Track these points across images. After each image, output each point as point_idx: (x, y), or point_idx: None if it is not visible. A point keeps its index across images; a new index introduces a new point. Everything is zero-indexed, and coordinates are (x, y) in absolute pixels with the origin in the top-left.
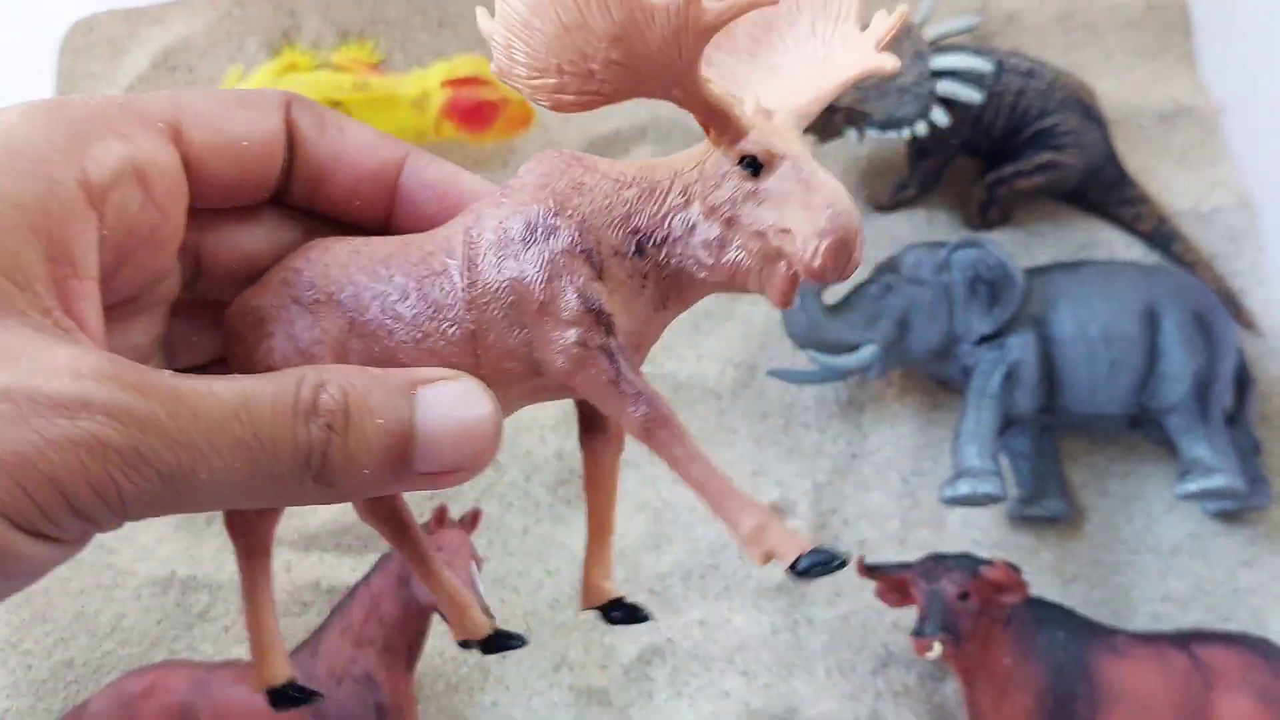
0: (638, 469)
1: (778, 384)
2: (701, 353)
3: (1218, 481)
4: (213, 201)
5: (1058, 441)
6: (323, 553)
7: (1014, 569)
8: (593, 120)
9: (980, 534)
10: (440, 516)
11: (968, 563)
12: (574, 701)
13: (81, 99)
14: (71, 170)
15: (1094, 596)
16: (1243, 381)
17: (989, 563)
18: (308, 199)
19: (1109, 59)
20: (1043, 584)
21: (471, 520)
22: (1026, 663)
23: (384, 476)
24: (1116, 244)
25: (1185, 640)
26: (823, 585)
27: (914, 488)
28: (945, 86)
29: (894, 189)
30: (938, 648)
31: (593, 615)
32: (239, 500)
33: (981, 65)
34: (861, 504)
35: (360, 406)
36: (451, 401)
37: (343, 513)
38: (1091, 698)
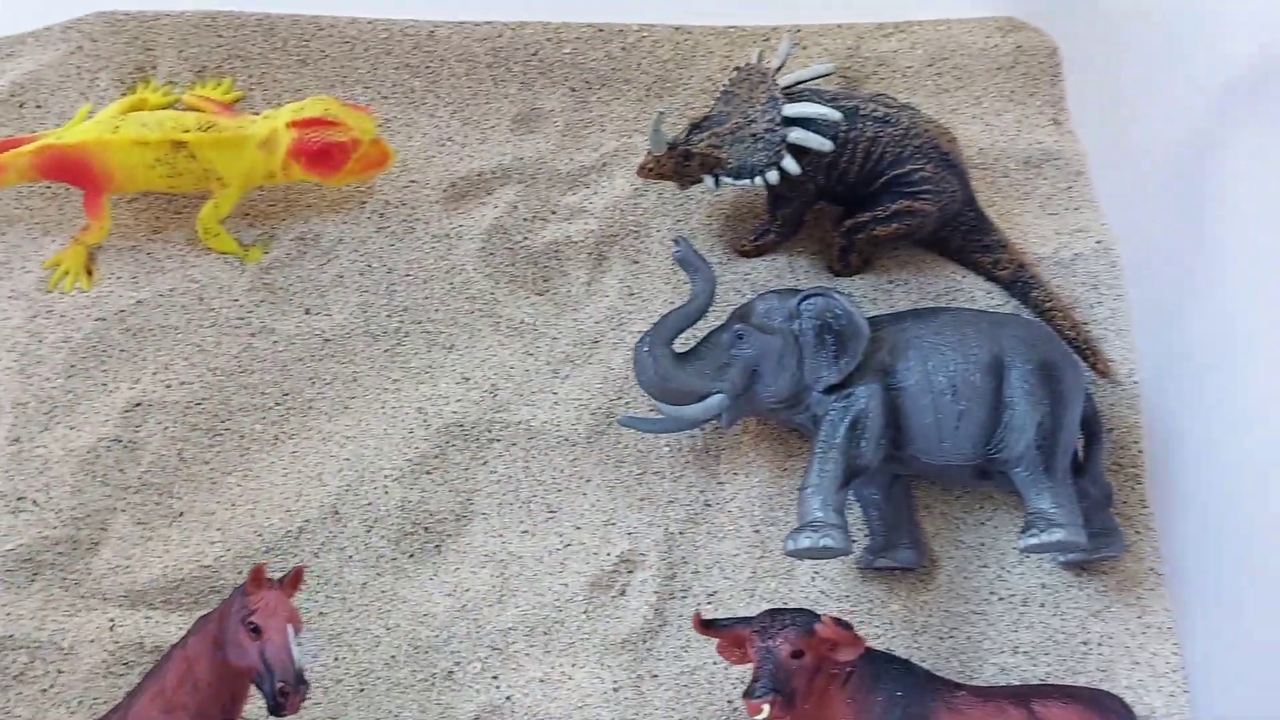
0: (485, 519)
1: (635, 431)
2: (559, 398)
3: (1057, 536)
4: None
5: (912, 490)
6: (150, 610)
7: (845, 625)
8: (459, 161)
9: (830, 585)
10: (258, 577)
11: (804, 619)
12: None
13: None
14: None
15: (944, 648)
16: (1094, 431)
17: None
18: None
19: (978, 103)
20: (892, 636)
21: (292, 580)
22: None
23: None
24: (977, 291)
25: (1025, 697)
26: (670, 639)
27: (765, 537)
28: (796, 134)
29: (756, 235)
30: (767, 709)
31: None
32: None
33: (831, 114)
34: (714, 553)
35: None
36: None
37: (175, 567)
38: None
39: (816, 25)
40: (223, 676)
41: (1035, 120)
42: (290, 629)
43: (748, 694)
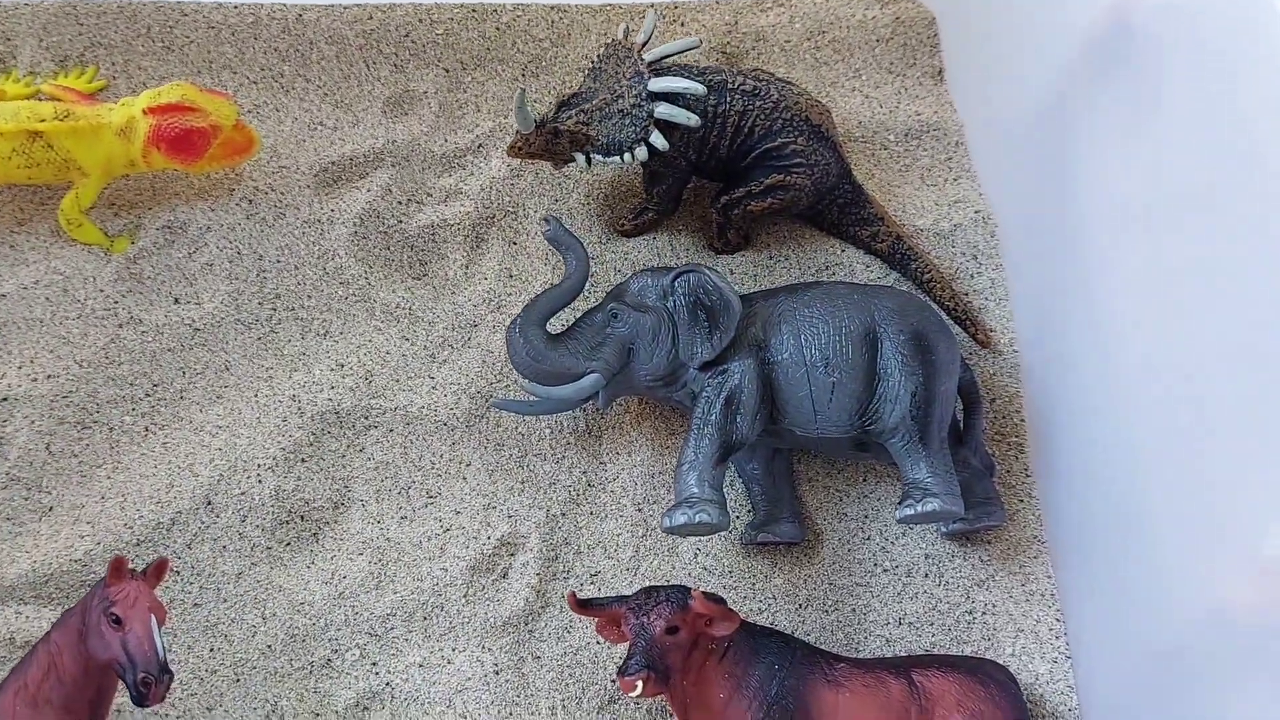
0: (363, 506)
1: (514, 414)
2: (436, 383)
3: (933, 505)
4: None
5: (794, 464)
6: (20, 605)
7: (718, 600)
8: (330, 145)
9: (713, 561)
10: (118, 568)
11: (678, 595)
12: None
13: None
14: None
15: (828, 621)
16: (972, 401)
17: (711, 595)
18: None
19: (858, 75)
20: (776, 610)
21: (156, 571)
22: (739, 697)
23: None
24: (857, 264)
25: (906, 667)
26: (552, 620)
27: (648, 515)
28: (662, 109)
29: (634, 214)
30: (641, 685)
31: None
32: None
33: (696, 88)
34: (596, 533)
35: None
36: None
37: (44, 561)
38: None
39: (694, 2)
40: (87, 669)
41: (914, 92)
42: (153, 619)
43: (621, 671)
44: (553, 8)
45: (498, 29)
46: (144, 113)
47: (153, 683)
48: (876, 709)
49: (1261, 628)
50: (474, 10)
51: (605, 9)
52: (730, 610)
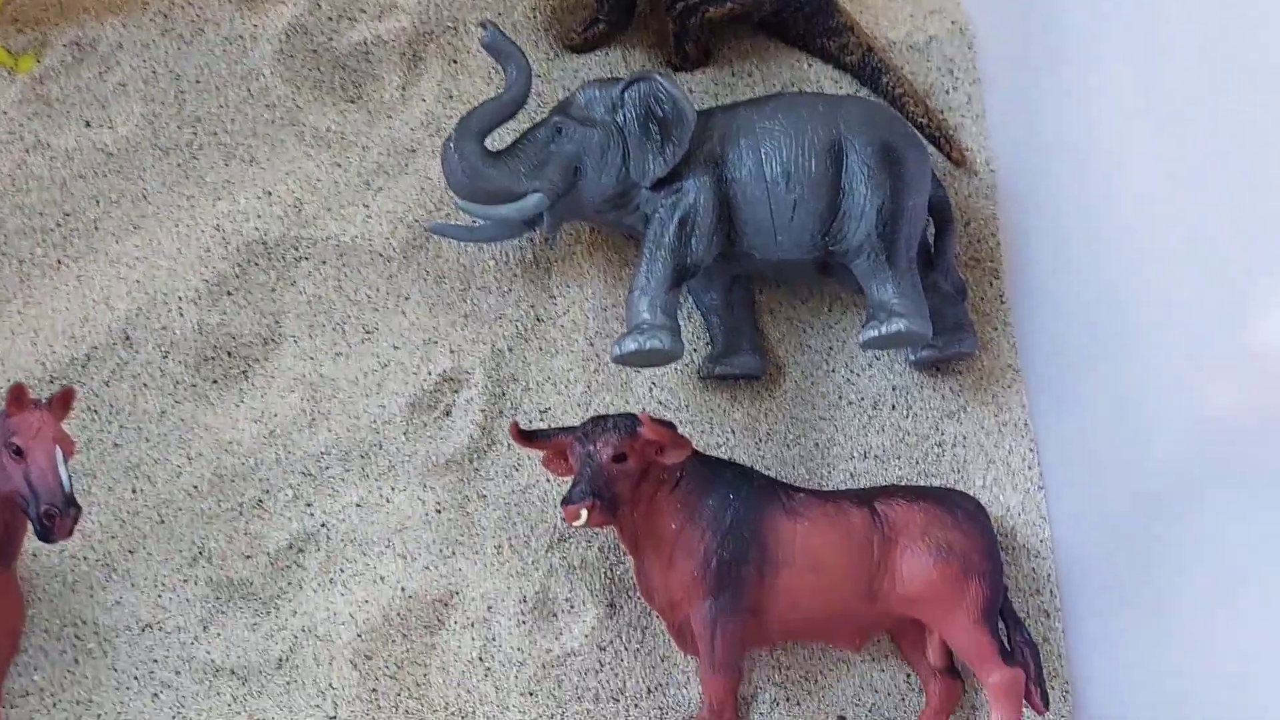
0: (295, 342)
1: (456, 244)
2: (371, 212)
3: (898, 325)
4: None
5: (755, 294)
6: None
7: (668, 425)
8: None
9: (669, 395)
10: (18, 397)
11: (627, 423)
12: (212, 596)
13: None
14: None
15: (790, 455)
16: (943, 220)
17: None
18: None
19: None
20: (734, 445)
21: (61, 401)
22: (692, 527)
23: None
24: (824, 79)
25: (869, 497)
26: (499, 458)
27: (599, 350)
28: None
29: (584, 25)
30: (585, 514)
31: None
32: None
33: None
34: (545, 369)
35: None
36: None
37: None
38: (762, 560)
39: None
40: None
41: None
42: (58, 451)
43: (565, 500)
44: None
45: None
46: None
47: (57, 515)
48: (837, 538)
49: (1243, 429)
50: None
51: None
52: (681, 437)
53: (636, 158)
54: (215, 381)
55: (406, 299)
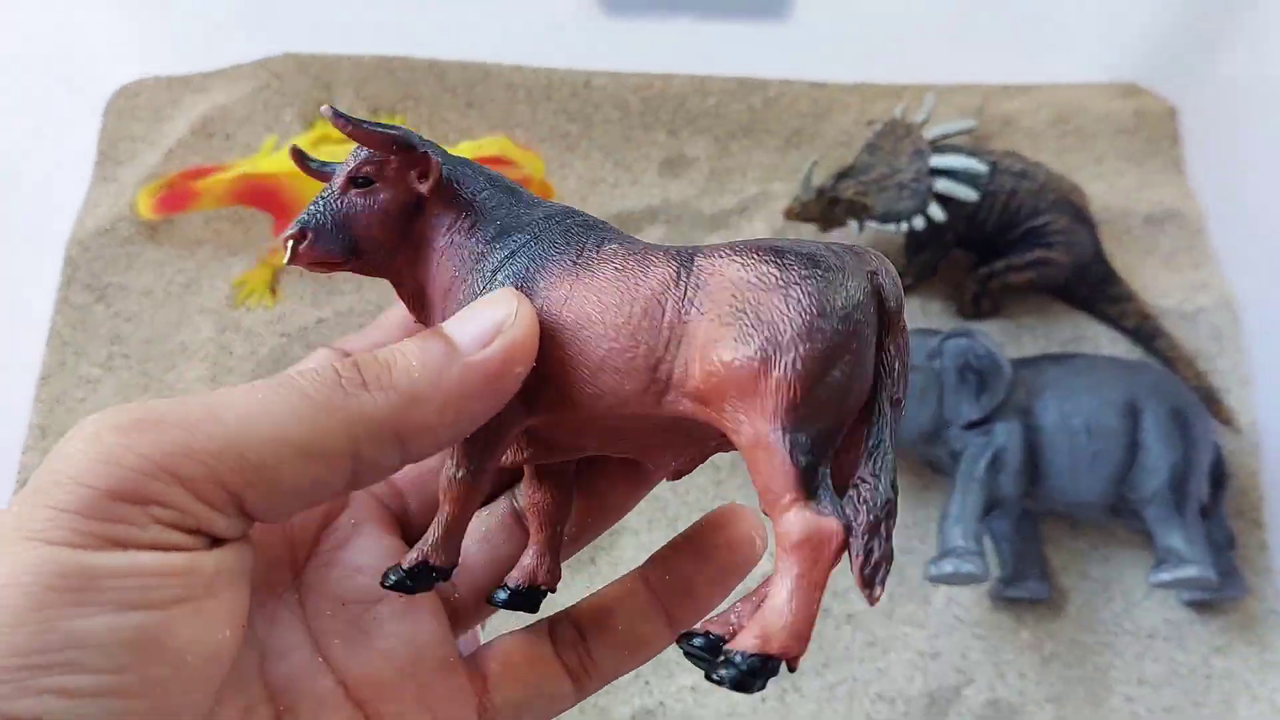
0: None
1: None
2: None
3: (1190, 572)
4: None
5: (1039, 526)
6: None
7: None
8: (611, 200)
9: (964, 612)
10: None
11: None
12: None
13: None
14: None
15: (1071, 675)
16: (1219, 477)
17: None
18: None
19: (1100, 163)
20: (1022, 662)
21: None
22: (460, 281)
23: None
24: (1102, 339)
25: (705, 250)
26: (810, 654)
27: (901, 565)
28: (943, 185)
29: None
30: (289, 246)
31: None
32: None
33: (977, 166)
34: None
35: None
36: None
37: None
38: None
39: (945, 84)
40: None
41: (1155, 180)
42: None
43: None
44: (813, 85)
45: (764, 102)
46: None
47: None
48: (616, 298)
49: None
50: (743, 83)
51: (861, 87)
52: (426, 154)
53: (951, 401)
54: None
55: None
